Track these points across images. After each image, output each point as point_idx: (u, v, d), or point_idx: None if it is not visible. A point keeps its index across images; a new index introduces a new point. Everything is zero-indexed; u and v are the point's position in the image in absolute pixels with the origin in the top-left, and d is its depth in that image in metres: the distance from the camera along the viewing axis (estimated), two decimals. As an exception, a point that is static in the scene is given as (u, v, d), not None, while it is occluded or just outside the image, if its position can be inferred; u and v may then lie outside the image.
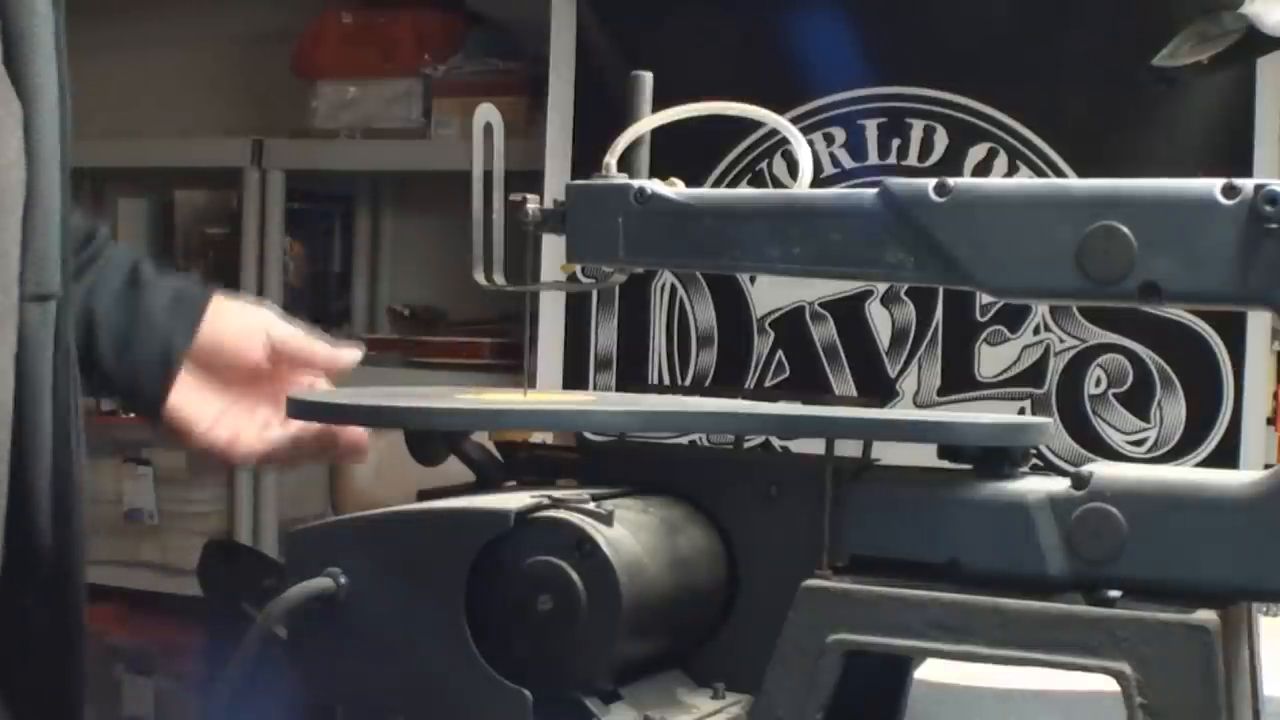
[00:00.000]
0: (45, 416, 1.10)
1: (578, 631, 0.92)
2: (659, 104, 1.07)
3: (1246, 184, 0.88)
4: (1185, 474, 0.95)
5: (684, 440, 1.54)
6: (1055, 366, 2.54)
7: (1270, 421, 2.44)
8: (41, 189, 1.07)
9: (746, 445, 1.16)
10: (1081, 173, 2.45)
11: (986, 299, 2.49)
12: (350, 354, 1.32)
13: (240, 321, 1.29)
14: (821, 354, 2.68)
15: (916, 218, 0.95)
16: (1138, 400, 2.49)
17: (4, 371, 1.06)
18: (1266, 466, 1.83)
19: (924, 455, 0.98)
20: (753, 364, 2.72)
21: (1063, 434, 2.49)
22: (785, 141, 1.06)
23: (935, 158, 2.59)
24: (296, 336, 1.30)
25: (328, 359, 1.31)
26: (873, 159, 2.63)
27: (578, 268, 1.08)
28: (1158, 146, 2.44)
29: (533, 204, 1.05)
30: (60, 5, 1.12)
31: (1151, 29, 1.41)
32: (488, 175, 1.06)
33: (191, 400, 1.27)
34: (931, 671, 1.11)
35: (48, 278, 1.08)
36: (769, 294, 2.69)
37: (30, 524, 1.09)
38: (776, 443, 1.97)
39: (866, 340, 2.65)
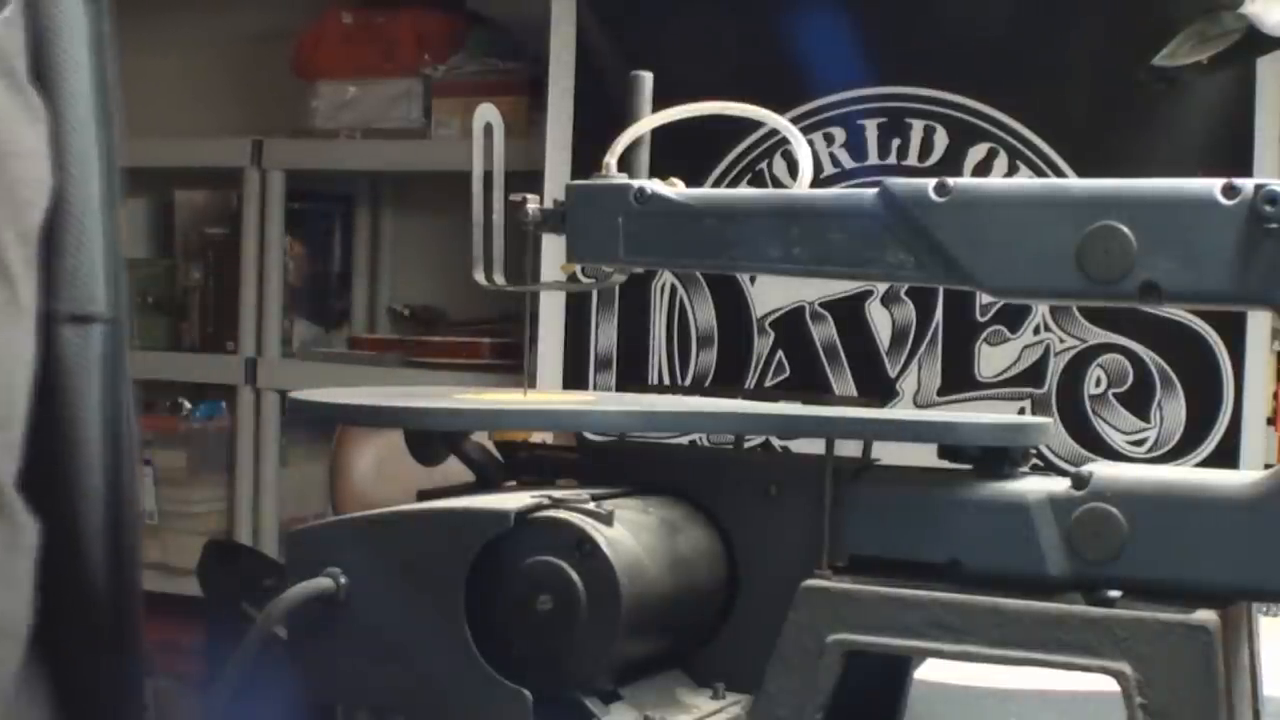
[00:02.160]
0: (94, 449, 1.05)
1: (578, 631, 0.92)
2: (659, 104, 1.07)
3: (1246, 184, 0.88)
4: (1185, 474, 0.96)
5: (684, 440, 1.54)
6: (1055, 366, 2.54)
7: (1270, 421, 2.44)
8: (74, 200, 1.02)
9: (746, 445, 1.16)
10: (1081, 173, 2.45)
11: (986, 299, 2.49)
12: None
13: None
14: (821, 354, 2.68)
15: (916, 218, 0.95)
16: (1138, 400, 2.49)
17: (14, 388, 0.96)
18: (1266, 466, 1.83)
19: (924, 455, 0.98)
20: (753, 364, 2.72)
21: (1063, 434, 2.49)
22: (785, 141, 1.06)
23: (935, 158, 2.59)
24: None
25: None
26: (873, 159, 2.63)
27: (578, 268, 1.08)
28: (1158, 146, 2.44)
29: (533, 204, 1.05)
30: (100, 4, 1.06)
31: (1151, 29, 1.41)
32: (488, 175, 1.06)
33: None
34: (931, 671, 1.11)
35: (86, 297, 1.04)
36: (769, 294, 2.69)
37: (84, 558, 1.06)
38: (776, 443, 1.97)
39: (866, 340, 2.65)
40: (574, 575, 0.92)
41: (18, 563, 0.95)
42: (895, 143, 2.62)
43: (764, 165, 2.68)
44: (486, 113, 1.06)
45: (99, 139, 1.05)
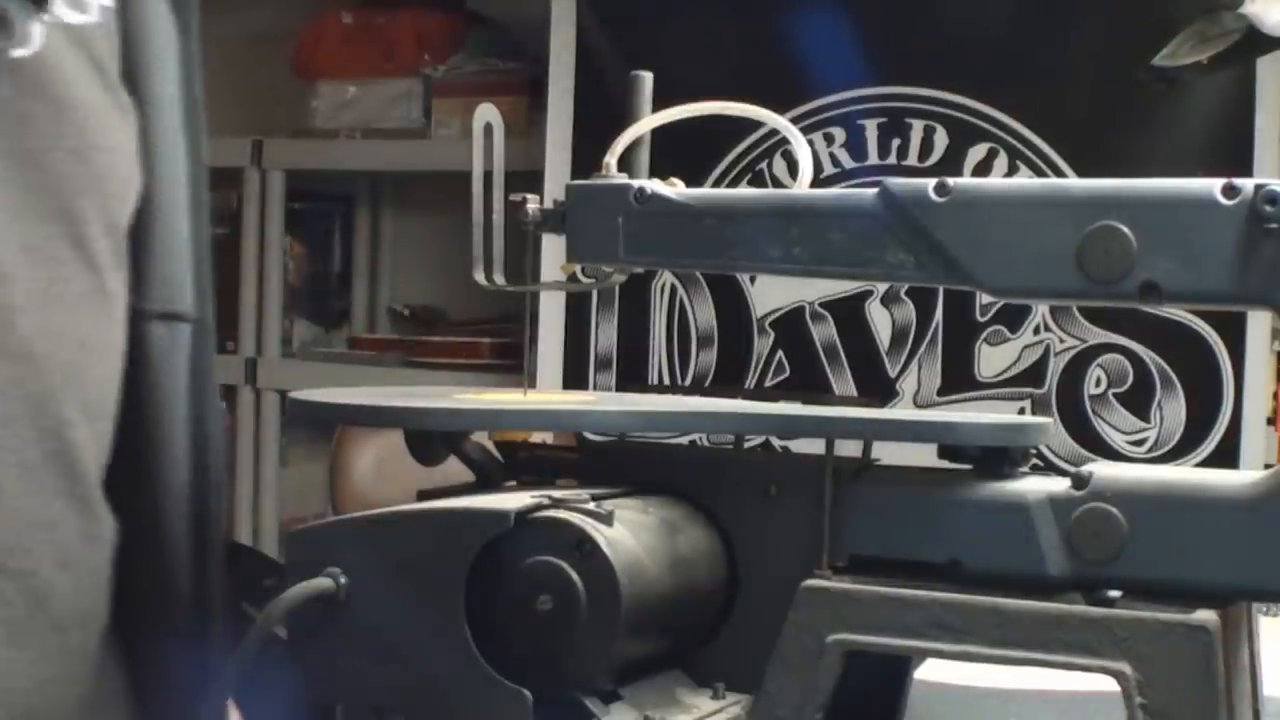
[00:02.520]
0: (180, 448, 1.05)
1: (578, 631, 0.92)
2: (659, 104, 1.07)
3: (1246, 184, 0.88)
4: (1185, 474, 0.95)
5: (684, 440, 1.54)
6: (1055, 366, 2.54)
7: (1270, 421, 2.45)
8: (162, 203, 1.03)
9: (746, 445, 1.15)
10: (1081, 173, 2.46)
11: (986, 299, 2.49)
12: None
13: None
14: (821, 354, 2.68)
15: (916, 218, 0.95)
16: (1138, 400, 2.49)
17: (106, 378, 0.98)
18: (1266, 466, 1.83)
19: (924, 455, 0.98)
20: (753, 364, 2.72)
21: (1063, 434, 2.49)
22: (785, 141, 1.06)
23: (935, 158, 2.59)
24: None
25: None
26: (873, 159, 2.63)
27: (578, 268, 1.08)
28: (1158, 146, 2.44)
29: (533, 204, 1.05)
30: (185, 10, 1.07)
31: (1151, 29, 1.41)
32: (488, 175, 1.06)
33: None
34: (931, 671, 1.11)
35: (173, 296, 1.05)
36: (769, 294, 2.70)
37: (168, 557, 1.06)
38: (776, 443, 1.97)
39: (866, 340, 2.65)
40: (574, 575, 0.92)
41: (96, 553, 0.96)
42: (895, 143, 2.63)
43: (764, 165, 2.68)
44: (486, 113, 1.06)
45: (186, 145, 1.07)
